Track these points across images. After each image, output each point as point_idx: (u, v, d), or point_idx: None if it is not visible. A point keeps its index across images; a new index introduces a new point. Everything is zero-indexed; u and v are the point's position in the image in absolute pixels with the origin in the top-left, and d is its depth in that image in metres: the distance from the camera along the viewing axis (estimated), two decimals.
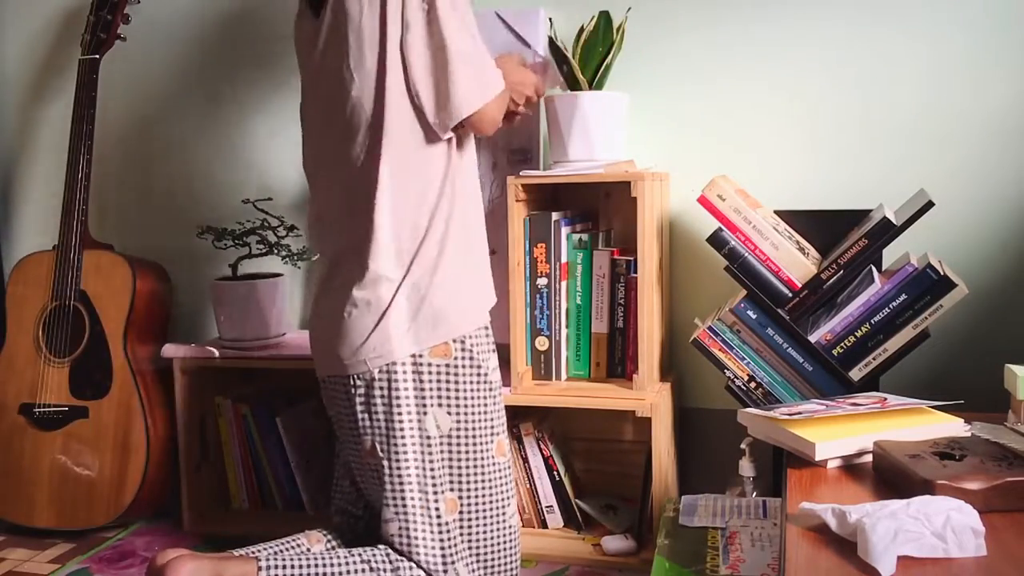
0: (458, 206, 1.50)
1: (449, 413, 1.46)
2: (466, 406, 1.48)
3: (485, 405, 1.50)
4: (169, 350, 2.13)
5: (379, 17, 1.40)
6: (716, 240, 1.77)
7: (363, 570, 1.41)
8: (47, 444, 2.12)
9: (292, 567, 1.39)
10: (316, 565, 1.40)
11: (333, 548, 1.54)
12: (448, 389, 1.46)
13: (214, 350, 2.09)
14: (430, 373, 1.45)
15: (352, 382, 1.45)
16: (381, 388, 1.44)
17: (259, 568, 1.38)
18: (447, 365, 1.46)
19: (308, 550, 1.53)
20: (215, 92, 2.36)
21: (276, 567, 1.39)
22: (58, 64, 2.47)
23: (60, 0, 2.45)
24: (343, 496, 1.64)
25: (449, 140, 1.48)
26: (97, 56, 2.22)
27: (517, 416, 1.96)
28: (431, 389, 1.45)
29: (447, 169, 1.48)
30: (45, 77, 2.49)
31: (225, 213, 2.32)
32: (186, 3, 2.36)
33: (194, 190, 2.40)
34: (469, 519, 1.47)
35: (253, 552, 1.46)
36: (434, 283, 1.46)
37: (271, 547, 1.50)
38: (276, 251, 2.12)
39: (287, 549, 1.51)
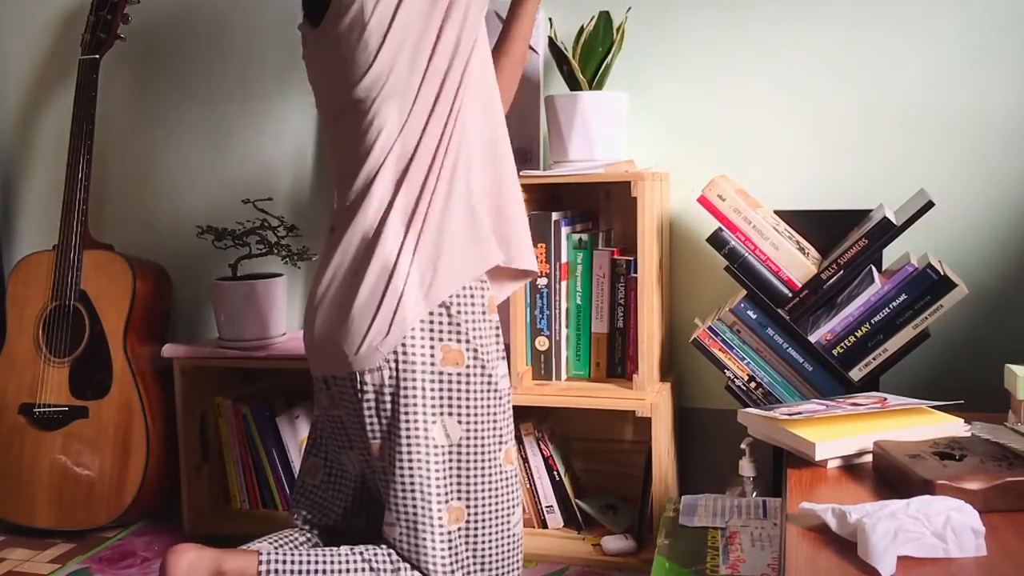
0: (460, 167, 1.45)
1: (459, 422, 1.43)
2: (476, 416, 1.45)
3: (495, 414, 1.47)
4: (169, 350, 2.13)
5: None
6: (716, 240, 1.77)
7: (363, 569, 1.40)
8: (47, 444, 2.12)
9: (292, 562, 1.39)
10: (317, 561, 1.40)
11: (333, 545, 1.53)
12: (459, 398, 1.43)
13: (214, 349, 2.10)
14: (441, 382, 1.42)
15: (359, 384, 1.42)
16: (391, 392, 1.41)
17: (260, 562, 1.38)
18: (459, 374, 1.43)
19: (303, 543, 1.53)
20: (215, 92, 2.36)
21: (276, 561, 1.39)
22: (58, 64, 2.47)
23: (60, 0, 2.45)
24: (309, 503, 1.59)
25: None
26: (97, 56, 2.23)
27: (517, 416, 1.96)
28: (442, 398, 1.42)
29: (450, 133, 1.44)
30: (45, 77, 2.49)
31: (225, 213, 2.32)
32: (186, 3, 2.36)
33: (194, 190, 2.40)
34: (475, 528, 1.45)
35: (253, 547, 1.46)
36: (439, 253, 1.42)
37: (269, 540, 1.50)
38: (276, 251, 2.12)
39: (286, 542, 1.51)
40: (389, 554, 1.42)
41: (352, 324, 1.41)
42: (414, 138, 1.42)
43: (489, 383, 1.46)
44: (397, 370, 1.40)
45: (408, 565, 1.41)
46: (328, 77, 1.49)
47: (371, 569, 1.40)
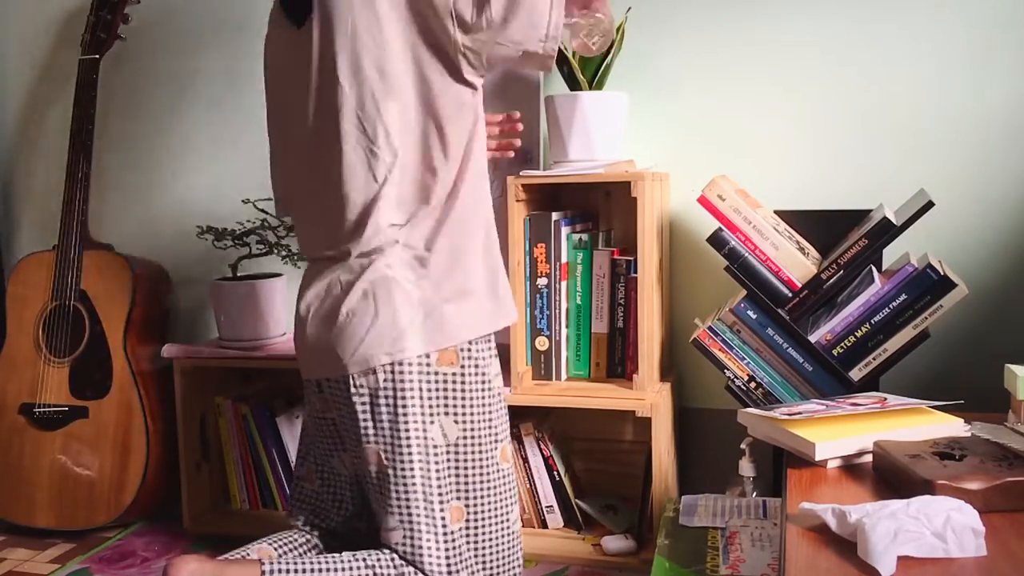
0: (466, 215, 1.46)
1: (456, 422, 1.44)
2: (472, 415, 1.45)
3: (490, 413, 1.48)
4: (169, 350, 2.13)
5: None
6: (716, 240, 1.77)
7: (367, 575, 1.40)
8: (47, 444, 2.12)
9: (295, 571, 1.38)
10: (320, 569, 1.39)
11: (334, 549, 1.53)
12: (455, 398, 1.44)
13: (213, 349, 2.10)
14: (437, 382, 1.42)
15: (354, 386, 1.41)
16: (387, 396, 1.40)
17: (262, 572, 1.37)
18: (454, 374, 1.43)
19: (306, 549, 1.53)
20: (215, 92, 2.36)
21: (279, 571, 1.38)
22: (58, 64, 2.46)
23: (60, 0, 2.45)
24: (309, 507, 1.59)
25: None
26: (97, 56, 2.23)
27: (517, 416, 1.96)
28: (438, 398, 1.42)
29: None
30: (45, 77, 2.49)
31: (225, 213, 2.32)
32: (186, 3, 2.36)
33: (194, 190, 2.40)
34: (476, 527, 1.46)
35: (254, 553, 1.46)
36: (447, 281, 1.43)
37: (269, 541, 1.50)
38: (276, 251, 2.12)
39: (286, 544, 1.51)
40: (392, 559, 1.42)
41: (347, 327, 1.40)
42: (414, 180, 1.42)
43: (483, 381, 1.46)
44: (392, 372, 1.39)
45: (412, 569, 1.41)
46: (302, 88, 1.45)
47: (374, 575, 1.40)
